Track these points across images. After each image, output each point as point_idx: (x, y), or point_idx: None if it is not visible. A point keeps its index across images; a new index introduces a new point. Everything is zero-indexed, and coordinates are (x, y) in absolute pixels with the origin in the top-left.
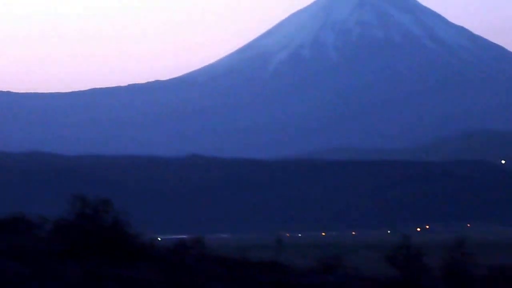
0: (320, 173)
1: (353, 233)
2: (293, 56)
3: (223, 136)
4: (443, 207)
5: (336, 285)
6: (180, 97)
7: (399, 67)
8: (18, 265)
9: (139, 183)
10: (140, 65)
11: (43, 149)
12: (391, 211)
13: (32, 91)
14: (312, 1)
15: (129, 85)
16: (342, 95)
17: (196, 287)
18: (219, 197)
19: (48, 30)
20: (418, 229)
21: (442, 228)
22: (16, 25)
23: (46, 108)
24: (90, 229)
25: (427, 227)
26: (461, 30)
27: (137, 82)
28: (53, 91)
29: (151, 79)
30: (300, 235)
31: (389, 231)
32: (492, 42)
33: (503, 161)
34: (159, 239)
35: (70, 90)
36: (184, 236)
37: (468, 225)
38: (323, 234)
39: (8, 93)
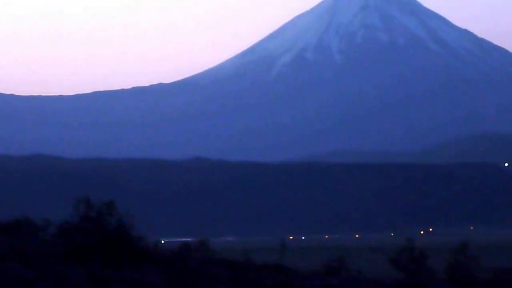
0: (324, 176)
1: (357, 235)
2: (296, 59)
3: (227, 138)
4: (446, 210)
5: (340, 287)
6: (184, 100)
7: (403, 70)
8: (22, 267)
9: (143, 186)
10: (143, 68)
11: (46, 152)
12: (394, 214)
13: (35, 94)
14: (316, 4)
15: (132, 88)
16: (346, 98)
17: None
18: (223, 200)
19: (51, 32)
20: (422, 232)
21: (446, 230)
22: (19, 27)
23: (49, 111)
24: (94, 232)
25: (430, 229)
26: (465, 33)
27: (140, 85)
28: (56, 94)
29: (155, 82)
30: (303, 237)
31: (392, 234)
32: (496, 45)
33: (506, 164)
34: (162, 241)
35: (73, 93)
36: (189, 239)
37: (472, 227)
38: (326, 237)
39: (11, 96)
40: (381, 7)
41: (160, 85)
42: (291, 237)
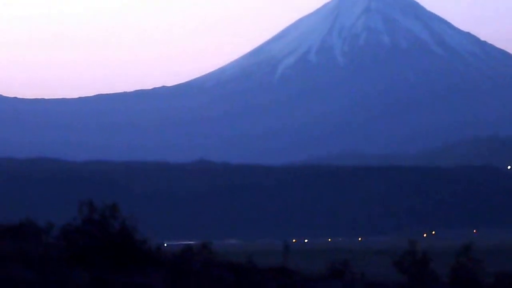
0: (327, 178)
1: (360, 238)
2: (300, 61)
3: (230, 141)
4: (450, 213)
5: None
6: (187, 103)
7: (406, 73)
8: (26, 270)
9: (147, 188)
10: (146, 71)
11: (49, 154)
12: (398, 217)
13: (38, 97)
14: (319, 6)
15: (135, 90)
16: (349, 101)
17: None
18: (226, 202)
19: (54, 35)
20: (425, 235)
21: (449, 233)
22: (22, 30)
23: (52, 113)
24: (97, 235)
25: (433, 233)
26: (469, 36)
27: (143, 88)
28: (59, 97)
29: (158, 85)
30: (306, 240)
31: (396, 237)
32: (499, 48)
33: (509, 167)
34: (165, 244)
35: (76, 96)
36: (191, 242)
37: (475, 231)
38: (329, 240)
39: (14, 99)
40: (384, 10)
41: (164, 88)
42: (294, 240)
